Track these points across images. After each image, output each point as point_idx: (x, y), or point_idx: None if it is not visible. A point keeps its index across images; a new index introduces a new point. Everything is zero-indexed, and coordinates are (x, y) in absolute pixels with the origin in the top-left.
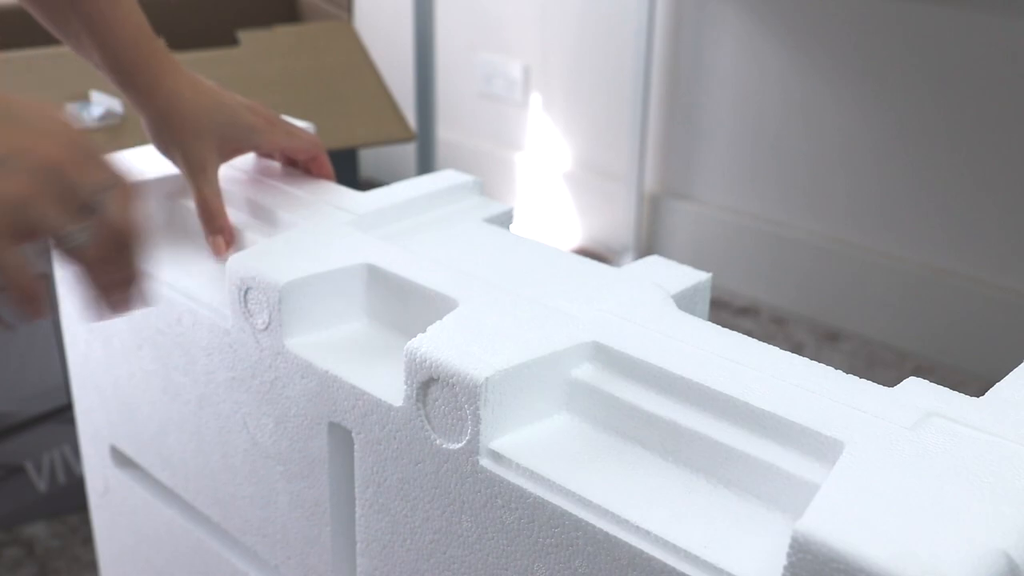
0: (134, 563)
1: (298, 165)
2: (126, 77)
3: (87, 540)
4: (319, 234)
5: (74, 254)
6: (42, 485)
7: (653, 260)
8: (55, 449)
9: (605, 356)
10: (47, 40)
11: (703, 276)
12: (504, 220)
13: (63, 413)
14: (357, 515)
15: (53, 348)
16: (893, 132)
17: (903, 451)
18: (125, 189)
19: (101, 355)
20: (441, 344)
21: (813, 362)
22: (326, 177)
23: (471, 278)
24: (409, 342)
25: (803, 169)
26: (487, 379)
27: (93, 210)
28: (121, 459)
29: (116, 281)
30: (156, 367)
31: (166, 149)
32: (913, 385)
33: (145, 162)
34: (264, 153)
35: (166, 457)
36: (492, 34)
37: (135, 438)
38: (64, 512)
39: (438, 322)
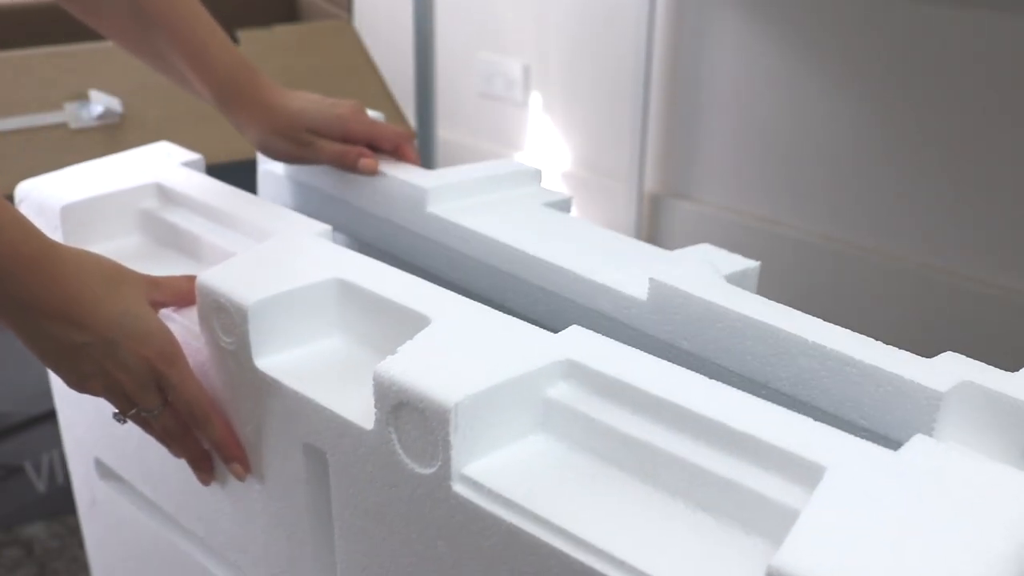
0: (125, 574)
1: (384, 152)
2: (233, 102)
3: None
4: (289, 248)
5: (150, 424)
6: (41, 485)
7: (705, 247)
8: (54, 449)
9: (580, 374)
10: (47, 40)
11: (752, 264)
12: (563, 207)
13: None
14: (336, 537)
15: None
16: (893, 131)
17: (887, 473)
18: (191, 386)
19: None
20: (410, 367)
21: None
22: (413, 164)
23: (443, 293)
24: (378, 365)
25: (803, 169)
26: (456, 404)
27: (166, 394)
28: (105, 471)
29: (194, 455)
30: None
31: (273, 152)
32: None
33: (116, 172)
34: (354, 140)
35: (148, 471)
36: (492, 34)
37: (118, 451)
38: (63, 512)
39: (408, 342)
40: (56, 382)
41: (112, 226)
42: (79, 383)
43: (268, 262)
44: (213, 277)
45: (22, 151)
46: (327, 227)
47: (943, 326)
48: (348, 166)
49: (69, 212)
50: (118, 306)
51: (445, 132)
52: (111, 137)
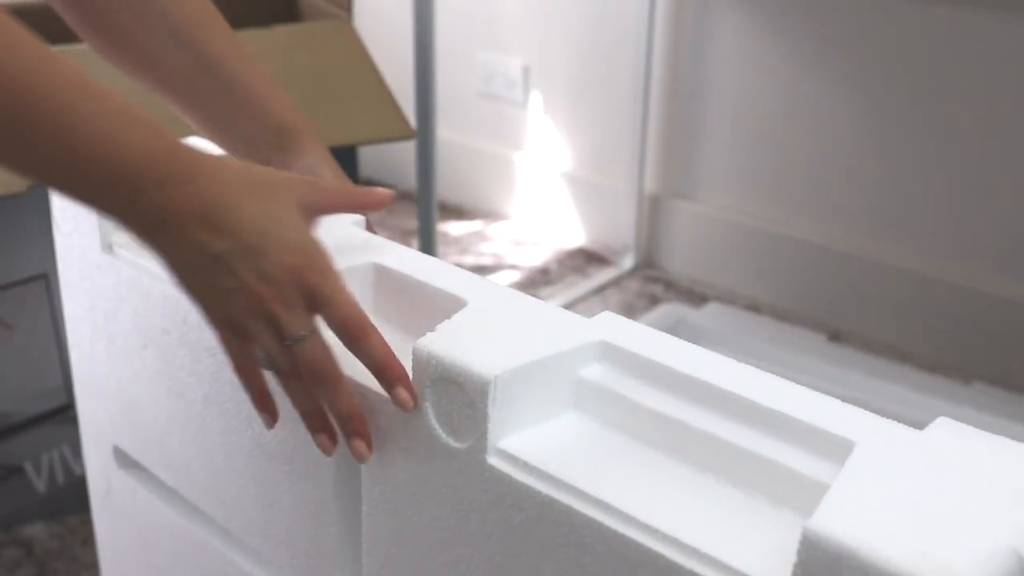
0: (136, 565)
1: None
2: (281, 143)
3: (86, 541)
4: (326, 235)
5: (289, 361)
6: (41, 486)
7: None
8: (54, 450)
9: (612, 355)
10: (47, 40)
11: None
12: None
13: (63, 413)
14: (363, 515)
15: (53, 348)
16: (893, 132)
17: (913, 450)
18: (346, 298)
19: (105, 355)
20: (450, 343)
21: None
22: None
23: (477, 278)
24: (418, 341)
25: (803, 169)
26: (496, 377)
27: (317, 310)
28: (124, 460)
29: (336, 397)
30: (161, 366)
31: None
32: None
33: None
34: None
35: (170, 457)
36: (492, 34)
37: (139, 438)
38: (63, 513)
39: (446, 321)
40: (79, 368)
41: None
42: (219, 305)
43: None
44: None
45: None
46: (361, 218)
47: (944, 326)
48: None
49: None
50: (264, 209)
51: (445, 132)
52: None
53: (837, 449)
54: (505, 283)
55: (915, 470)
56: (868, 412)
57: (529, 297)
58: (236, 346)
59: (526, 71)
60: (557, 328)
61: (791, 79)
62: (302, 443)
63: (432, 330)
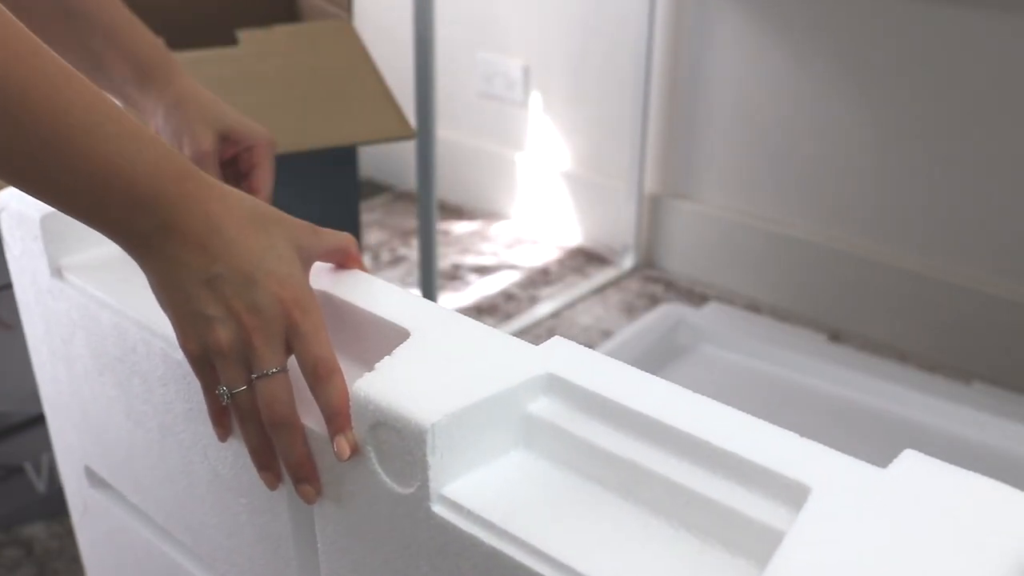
0: None
1: (240, 175)
2: (146, 77)
3: None
4: None
5: (251, 393)
6: (41, 486)
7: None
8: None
9: (561, 389)
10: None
11: None
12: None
13: None
14: (319, 553)
15: None
16: (893, 132)
17: (874, 492)
18: (323, 338)
19: (66, 377)
20: (388, 385)
21: None
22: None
23: (425, 305)
24: (355, 384)
25: (803, 169)
26: (433, 425)
27: (292, 346)
28: (96, 480)
29: (287, 442)
30: (118, 393)
31: (174, 134)
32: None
33: None
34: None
35: (137, 480)
36: (492, 34)
37: (107, 460)
38: (63, 512)
39: (387, 358)
40: (44, 388)
41: (94, 237)
42: (196, 332)
43: None
44: None
45: None
46: None
47: (944, 326)
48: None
49: (49, 222)
50: (262, 241)
51: (445, 132)
52: None
53: (794, 493)
54: (451, 308)
55: (876, 513)
56: (829, 450)
57: (477, 325)
58: (206, 374)
59: (526, 71)
60: (504, 359)
61: (791, 79)
62: (257, 478)
63: (372, 367)
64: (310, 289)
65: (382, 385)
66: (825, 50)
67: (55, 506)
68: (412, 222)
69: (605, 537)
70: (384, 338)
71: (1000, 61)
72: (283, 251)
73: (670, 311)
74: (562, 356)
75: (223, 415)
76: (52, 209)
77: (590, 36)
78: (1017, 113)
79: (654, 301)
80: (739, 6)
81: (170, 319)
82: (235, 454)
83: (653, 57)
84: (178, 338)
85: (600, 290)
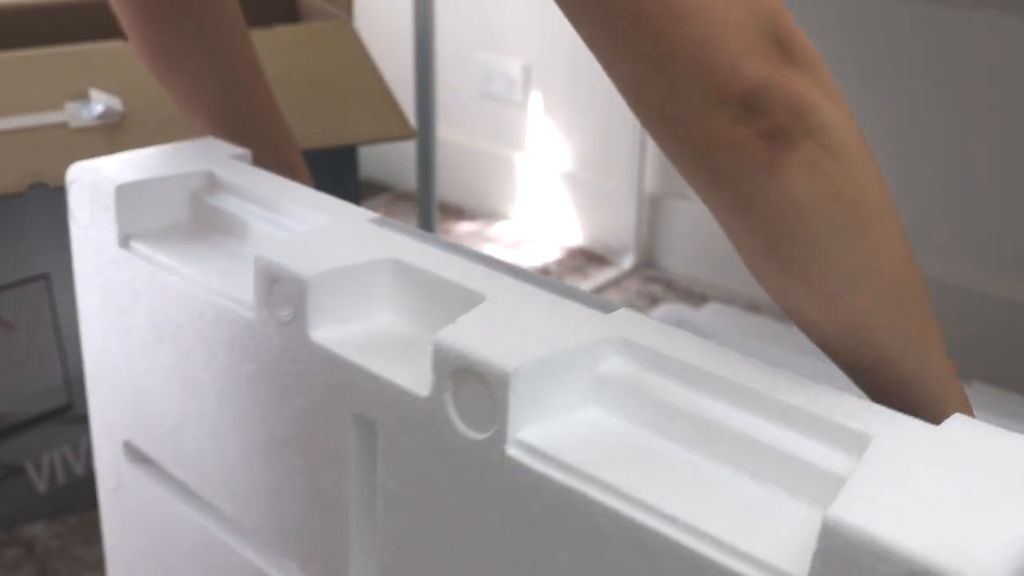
0: (144, 562)
1: None
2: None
3: (87, 540)
4: (345, 230)
5: None
6: (42, 485)
7: None
8: (55, 449)
9: (631, 351)
10: (47, 40)
11: None
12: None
13: (63, 413)
14: (378, 508)
15: (53, 348)
16: (892, 132)
17: (930, 445)
18: None
19: (118, 349)
20: (470, 335)
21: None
22: None
23: (497, 275)
24: (438, 332)
25: None
26: (516, 369)
27: None
28: (135, 455)
29: None
30: (176, 361)
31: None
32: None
33: (167, 159)
34: None
35: (182, 452)
36: (492, 34)
37: (150, 433)
38: (64, 512)
39: (466, 314)
40: (91, 364)
41: (165, 209)
42: None
43: (324, 241)
44: (272, 251)
45: (22, 151)
46: (378, 215)
47: (943, 326)
48: None
49: (123, 192)
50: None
51: (445, 132)
52: (112, 136)
53: (854, 442)
54: (526, 274)
55: (934, 464)
56: (885, 408)
57: (547, 292)
58: None
59: (526, 71)
60: (575, 324)
61: None
62: (319, 436)
63: (451, 324)
64: None
65: (464, 335)
66: (825, 49)
67: (56, 506)
68: (412, 222)
69: (673, 481)
70: (458, 303)
71: (1004, 63)
72: None
73: (670, 311)
74: (630, 323)
75: None
76: (127, 179)
77: None
78: (1016, 113)
79: (654, 301)
80: None
81: None
82: (297, 414)
83: None
84: None
85: (600, 290)
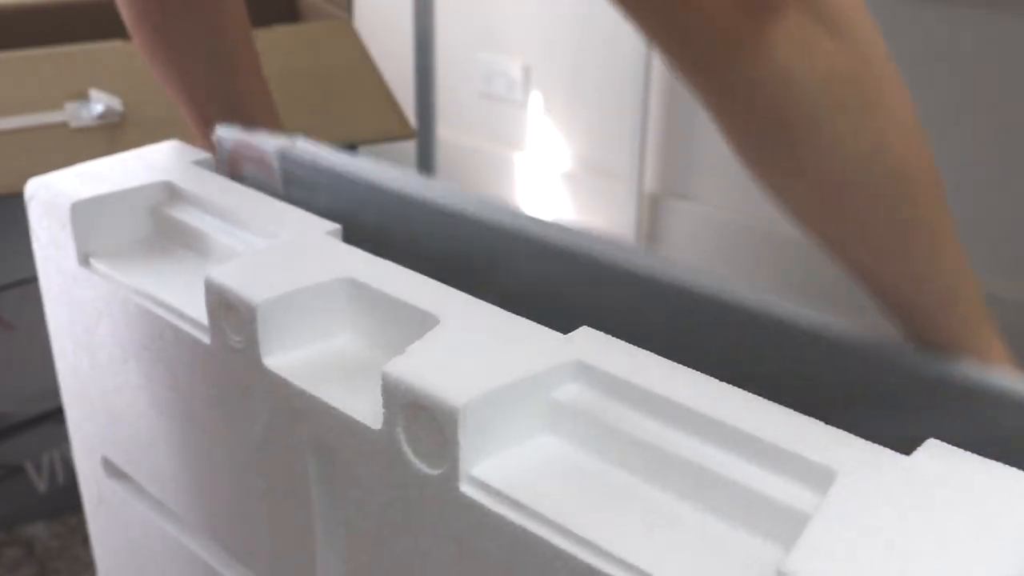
0: (130, 573)
1: None
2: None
3: (87, 540)
4: (300, 246)
5: None
6: (42, 485)
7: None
8: (55, 449)
9: (589, 376)
10: (47, 40)
11: None
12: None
13: (63, 413)
14: (343, 537)
15: None
16: None
17: (899, 480)
18: None
19: (88, 366)
20: (419, 366)
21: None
22: None
23: (453, 293)
24: (386, 365)
25: None
26: (465, 404)
27: None
28: (113, 470)
29: None
30: (142, 381)
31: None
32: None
33: (125, 169)
34: None
35: (156, 470)
36: (492, 34)
37: (126, 450)
38: (64, 512)
39: (417, 342)
40: (65, 380)
41: (123, 225)
42: None
43: (277, 261)
44: (222, 275)
45: (22, 151)
46: (337, 227)
47: None
48: None
49: (79, 210)
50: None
51: (445, 132)
52: (112, 136)
53: (820, 477)
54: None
55: (901, 502)
56: (853, 437)
57: (505, 313)
58: None
59: (526, 71)
60: (532, 347)
61: None
62: (279, 463)
63: (406, 347)
64: None
65: (413, 366)
66: None
67: (56, 506)
68: None
69: (631, 518)
70: (413, 325)
71: (1005, 63)
72: None
73: None
74: (589, 344)
75: None
76: (82, 195)
77: (590, 36)
78: (1015, 112)
79: None
80: None
81: None
82: (258, 440)
83: (653, 57)
84: None
85: None
